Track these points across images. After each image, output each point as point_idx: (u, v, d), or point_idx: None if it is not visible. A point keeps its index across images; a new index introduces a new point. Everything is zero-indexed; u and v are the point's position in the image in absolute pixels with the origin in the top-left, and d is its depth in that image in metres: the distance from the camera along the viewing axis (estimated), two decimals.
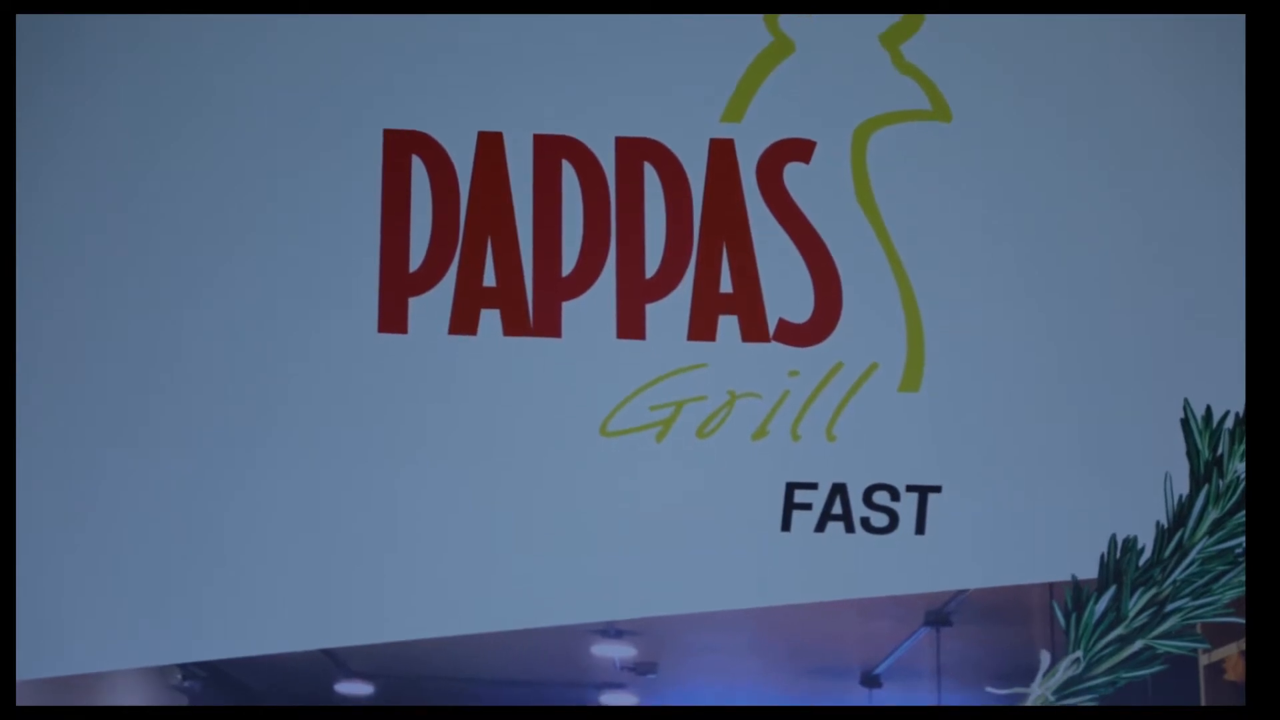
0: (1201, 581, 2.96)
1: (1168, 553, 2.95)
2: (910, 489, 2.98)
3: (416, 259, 2.99)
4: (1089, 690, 2.92)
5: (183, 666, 9.20)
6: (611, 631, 9.52)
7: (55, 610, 2.87)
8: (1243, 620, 2.93)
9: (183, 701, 9.59)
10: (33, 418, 2.89)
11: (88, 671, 3.14)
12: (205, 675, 9.59)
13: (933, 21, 3.17)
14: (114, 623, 2.88)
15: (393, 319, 2.98)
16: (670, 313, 3.01)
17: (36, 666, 2.88)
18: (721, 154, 3.07)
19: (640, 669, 10.58)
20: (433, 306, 2.98)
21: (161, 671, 9.10)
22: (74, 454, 2.90)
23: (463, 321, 2.99)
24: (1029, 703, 2.93)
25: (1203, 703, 4.28)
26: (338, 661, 10.23)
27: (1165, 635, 2.93)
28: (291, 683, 11.83)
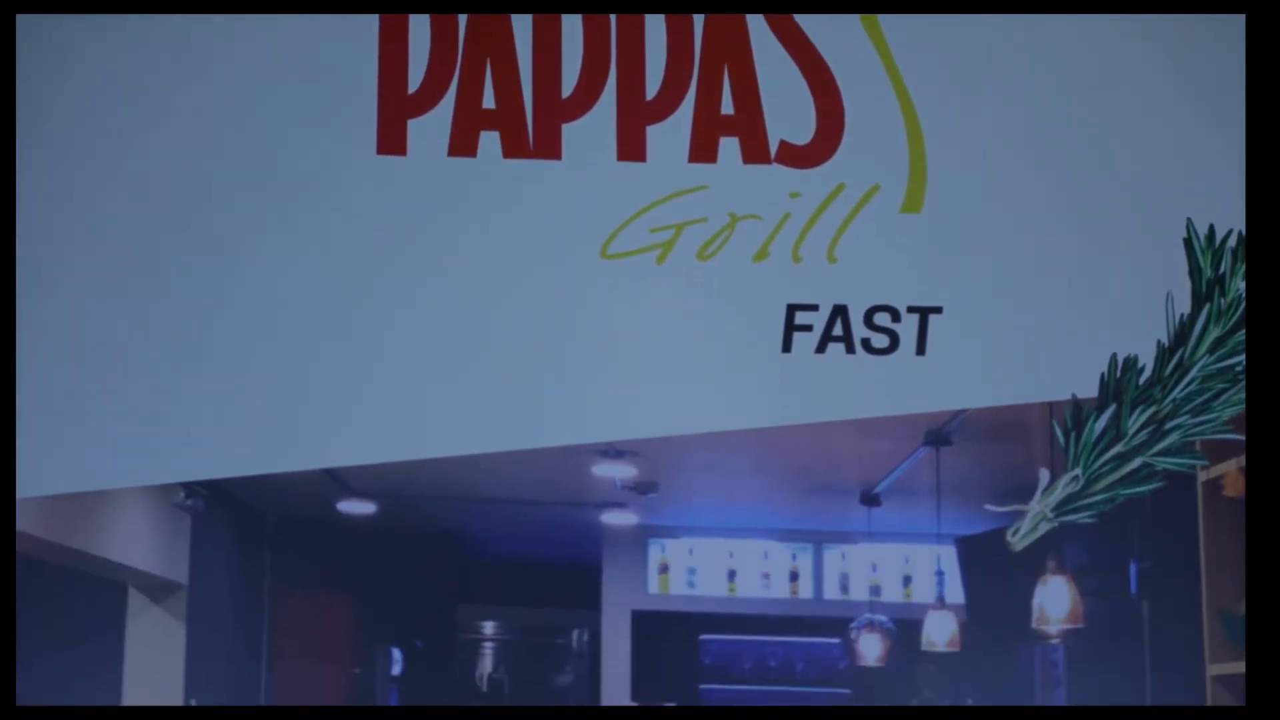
0: (1201, 399, 2.97)
1: (1168, 371, 2.95)
2: (911, 310, 2.98)
3: (415, 80, 2.97)
4: (1087, 507, 2.94)
5: (185, 485, 9.31)
6: (612, 452, 9.63)
7: (56, 427, 2.88)
8: (1242, 437, 2.96)
9: (184, 519, 9.68)
10: (34, 240, 2.88)
11: (89, 489, 3.16)
12: (207, 494, 9.71)
13: None
14: (115, 441, 2.89)
15: (391, 140, 2.97)
16: (671, 134, 2.99)
17: (37, 484, 2.89)
18: None
19: (641, 488, 10.71)
20: (431, 128, 2.97)
21: (164, 490, 9.20)
22: (76, 272, 2.90)
23: (462, 143, 2.97)
24: (1027, 520, 2.95)
25: (1200, 518, 4.33)
26: (340, 481, 10.33)
27: (1164, 452, 2.94)
28: (294, 502, 11.95)
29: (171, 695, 9.92)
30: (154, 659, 9.90)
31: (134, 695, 9.93)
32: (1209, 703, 4.10)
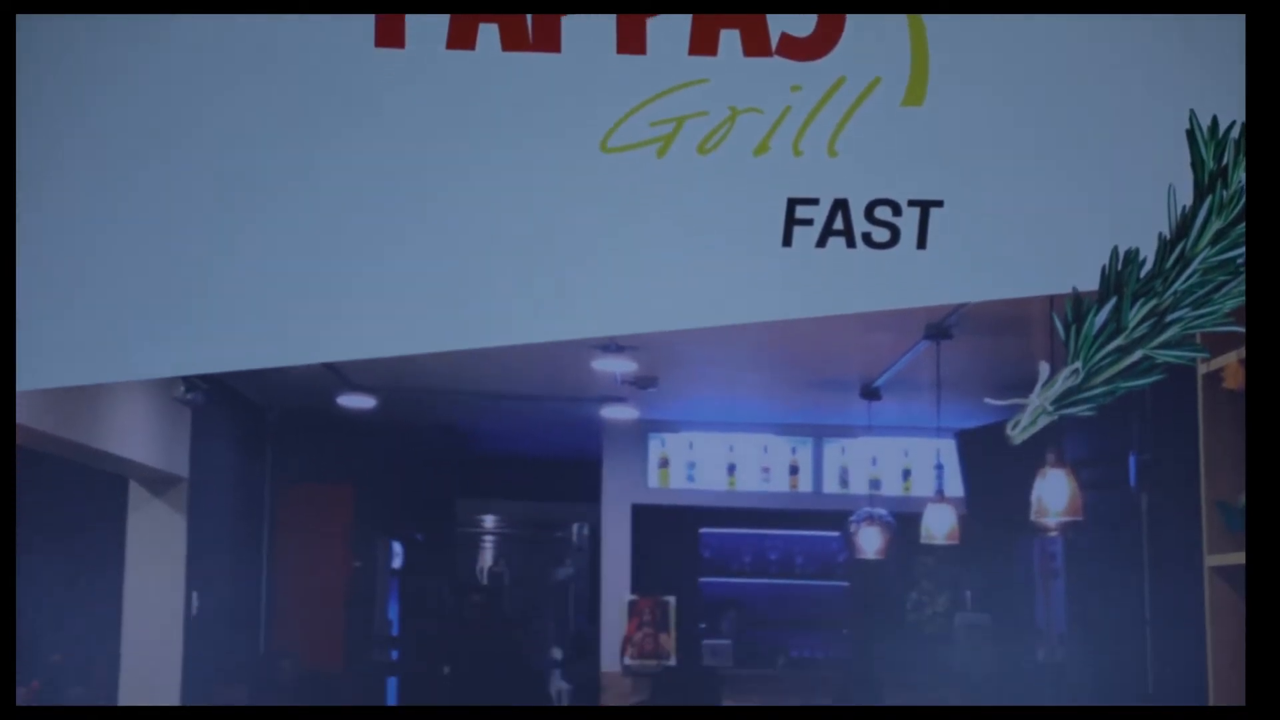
0: (1202, 292, 2.97)
1: (1169, 264, 2.95)
2: (912, 203, 2.98)
3: None
4: (1087, 400, 2.95)
5: (185, 379, 9.31)
6: (612, 347, 9.63)
7: (56, 321, 2.87)
8: (1242, 329, 2.95)
9: (185, 413, 9.70)
10: (36, 134, 2.87)
11: (90, 383, 3.16)
12: (207, 388, 9.71)
13: None
14: (115, 335, 2.89)
15: (390, 33, 2.95)
16: (671, 27, 2.97)
17: (37, 377, 2.89)
18: None
19: (641, 383, 10.72)
20: (430, 20, 2.95)
21: (164, 384, 9.20)
22: (78, 166, 2.89)
23: (460, 36, 2.95)
24: (1027, 413, 2.95)
25: (1200, 411, 4.33)
26: (340, 375, 10.34)
27: (1165, 345, 2.94)
28: (294, 396, 11.95)
29: (173, 589, 9.97)
30: (155, 552, 9.95)
31: (135, 588, 9.98)
32: (1207, 594, 4.12)
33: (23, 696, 9.68)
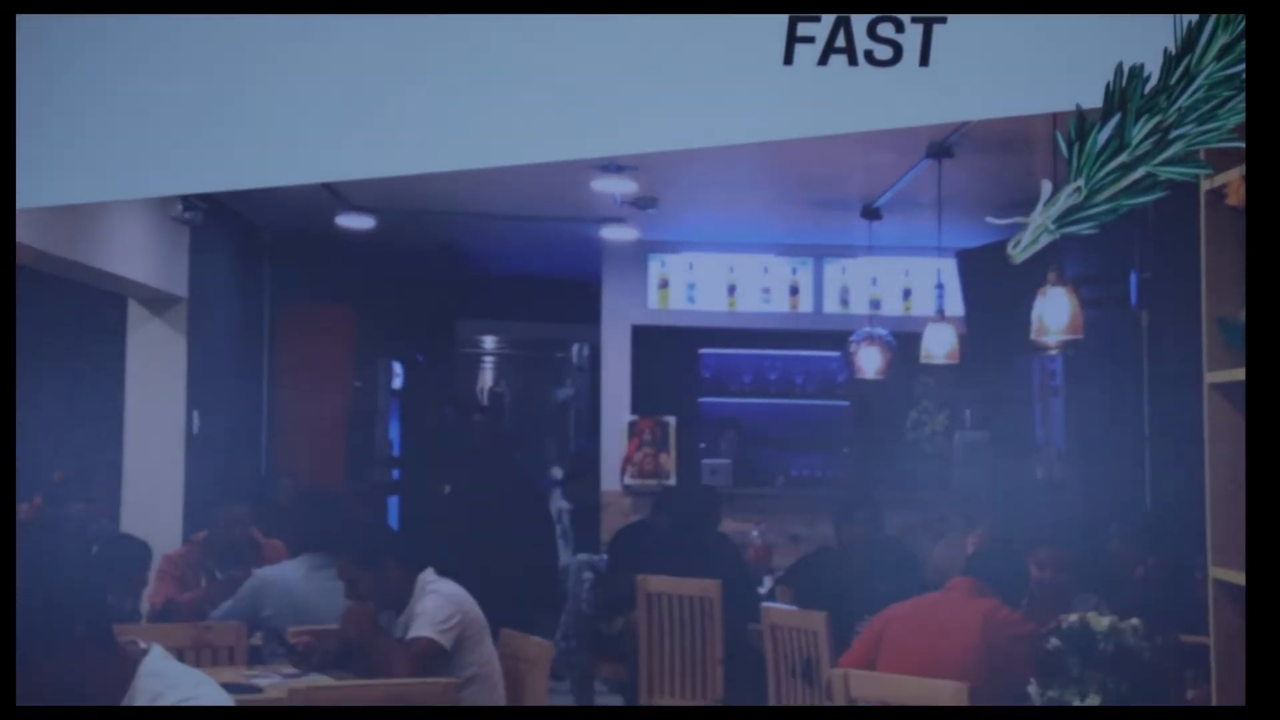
0: (1207, 107, 2.94)
1: (1174, 79, 2.92)
2: (915, 20, 2.94)
3: None
4: (1089, 218, 2.93)
5: (183, 198, 9.28)
6: (612, 167, 9.58)
7: (56, 139, 2.86)
8: (1244, 145, 2.94)
9: (183, 232, 9.68)
10: None
11: (88, 201, 3.16)
12: (206, 207, 9.68)
13: None
14: (114, 154, 2.88)
15: None
16: None
17: (37, 195, 2.88)
18: None
19: (641, 204, 10.68)
20: None
21: (162, 203, 9.17)
22: None
23: None
24: (1028, 232, 2.94)
25: (1202, 227, 4.31)
26: (338, 195, 10.30)
27: (1168, 162, 2.92)
28: (292, 216, 11.90)
29: (174, 408, 10.01)
30: (155, 372, 9.96)
31: (136, 407, 10.01)
32: (1206, 410, 4.13)
33: (24, 513, 9.76)
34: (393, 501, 13.97)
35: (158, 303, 9.87)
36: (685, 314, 13.01)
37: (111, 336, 10.26)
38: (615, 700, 10.31)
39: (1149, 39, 2.94)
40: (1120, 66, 2.91)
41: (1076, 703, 4.83)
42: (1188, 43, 2.94)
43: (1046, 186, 2.96)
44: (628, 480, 12.63)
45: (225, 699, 3.55)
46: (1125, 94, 2.92)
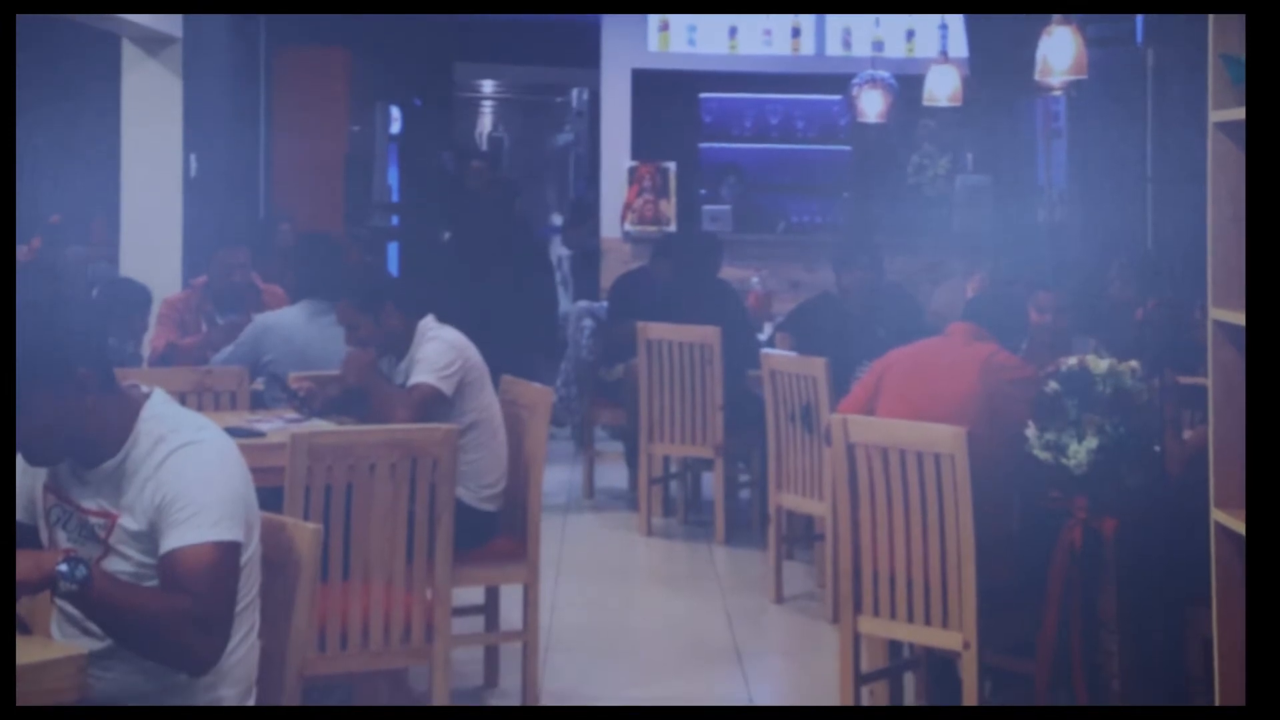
0: None
1: None
2: None
3: None
4: None
5: None
6: None
7: None
8: None
9: None
10: None
11: None
12: None
13: None
14: None
15: None
16: None
17: None
18: None
19: None
20: None
21: None
22: None
23: None
24: None
25: None
26: None
27: None
28: None
29: (171, 151, 9.92)
30: (151, 113, 9.86)
31: (133, 150, 9.93)
32: (1210, 148, 4.08)
33: (23, 255, 9.75)
34: (392, 248, 13.93)
35: (152, 42, 9.72)
36: (685, 57, 12.86)
37: (108, 78, 10.14)
38: (615, 447, 10.36)
39: None
40: None
41: (1075, 445, 4.84)
42: None
43: None
44: (628, 227, 12.59)
45: (227, 442, 3.55)
46: None
